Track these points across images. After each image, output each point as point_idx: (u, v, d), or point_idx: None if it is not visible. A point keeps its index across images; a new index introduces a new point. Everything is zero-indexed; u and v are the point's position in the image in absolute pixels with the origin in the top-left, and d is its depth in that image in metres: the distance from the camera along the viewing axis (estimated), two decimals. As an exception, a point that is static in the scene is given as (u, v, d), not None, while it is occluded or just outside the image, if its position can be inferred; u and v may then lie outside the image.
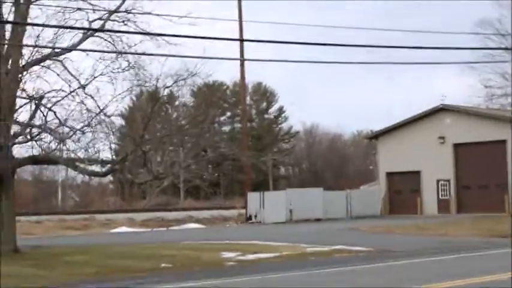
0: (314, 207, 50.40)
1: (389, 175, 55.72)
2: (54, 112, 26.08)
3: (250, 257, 22.82)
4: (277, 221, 48.29)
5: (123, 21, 27.00)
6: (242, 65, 53.43)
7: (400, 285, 14.82)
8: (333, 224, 43.85)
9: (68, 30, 25.62)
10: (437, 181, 52.94)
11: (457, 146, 52.33)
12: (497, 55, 66.72)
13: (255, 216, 50.79)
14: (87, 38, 26.76)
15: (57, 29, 25.07)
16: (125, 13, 26.80)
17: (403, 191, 54.70)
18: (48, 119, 26.02)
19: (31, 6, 25.86)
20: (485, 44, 63.95)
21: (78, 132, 25.97)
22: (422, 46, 21.09)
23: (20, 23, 24.85)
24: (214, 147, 40.43)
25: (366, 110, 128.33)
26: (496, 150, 49.81)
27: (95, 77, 26.46)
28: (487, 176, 50.39)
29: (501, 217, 42.92)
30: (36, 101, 25.92)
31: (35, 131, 26.15)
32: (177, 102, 36.19)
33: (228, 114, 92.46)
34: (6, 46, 25.33)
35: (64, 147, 26.22)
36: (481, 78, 71.09)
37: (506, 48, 64.26)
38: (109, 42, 26.87)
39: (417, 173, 53.93)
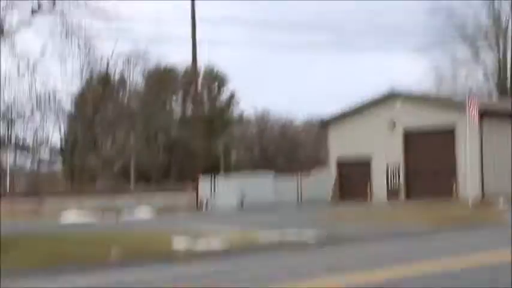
0: (265, 193, 50.49)
1: (340, 161, 55.96)
2: (2, 95, 25.61)
3: (200, 246, 22.62)
4: (229, 207, 48.25)
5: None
6: (194, 47, 53.07)
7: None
8: (284, 208, 43.94)
9: (17, 7, 25.15)
10: (387, 167, 53.29)
11: (407, 132, 52.69)
12: (448, 39, 67.44)
13: (206, 202, 50.66)
14: (35, 15, 26.28)
15: (5, 4, 24.60)
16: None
17: (354, 177, 54.93)
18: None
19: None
20: (435, 28, 64.72)
21: (27, 115, 25.56)
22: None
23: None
24: (165, 131, 40.18)
25: (317, 96, 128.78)
26: (445, 136, 50.25)
27: (43, 56, 26.06)
28: (436, 162, 50.84)
29: (449, 203, 43.46)
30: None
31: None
32: (128, 87, 35.92)
33: (180, 99, 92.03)
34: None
35: (12, 131, 25.79)
36: (432, 63, 72.00)
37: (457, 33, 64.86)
38: (59, 22, 26.48)
39: (367, 159, 54.24)
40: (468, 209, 37.20)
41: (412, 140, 52.51)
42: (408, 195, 51.77)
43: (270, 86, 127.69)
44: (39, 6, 25.79)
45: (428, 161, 51.20)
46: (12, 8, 25.18)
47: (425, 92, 63.45)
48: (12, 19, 25.67)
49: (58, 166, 75.24)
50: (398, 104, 53.35)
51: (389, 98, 53.85)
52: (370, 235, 24.91)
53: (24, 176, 71.91)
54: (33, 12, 25.98)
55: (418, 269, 15.14)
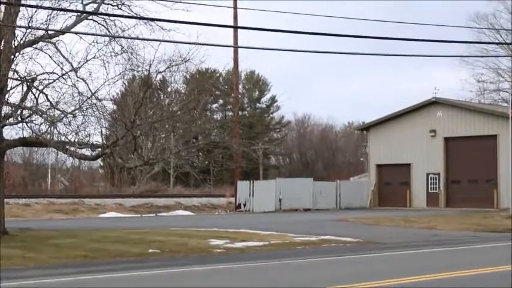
0: (303, 197, 50.52)
1: (380, 167, 55.83)
2: (46, 94, 25.98)
3: (239, 244, 22.83)
4: (267, 210, 48.41)
5: (117, 5, 26.94)
6: (236, 52, 53.33)
7: (383, 277, 14.85)
8: (322, 214, 43.95)
9: (62, 12, 25.50)
10: (427, 174, 53.06)
11: (447, 140, 52.42)
12: (491, 50, 66.91)
13: (244, 204, 50.86)
14: (80, 21, 26.68)
15: (50, 11, 24.95)
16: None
17: (393, 183, 54.80)
18: (40, 101, 25.92)
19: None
20: (479, 38, 64.14)
21: (69, 115, 25.88)
22: (418, 39, 21.10)
23: (14, 4, 24.74)
24: (205, 134, 40.35)
25: (358, 101, 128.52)
26: (486, 145, 49.90)
27: (87, 60, 26.36)
28: (476, 170, 50.49)
29: (489, 212, 43.14)
30: (28, 83, 25.80)
31: (26, 112, 26.03)
32: (169, 89, 36.15)
33: (220, 102, 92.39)
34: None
35: (55, 130, 26.15)
36: (474, 73, 71.33)
37: (500, 43, 64.40)
38: (102, 26, 26.83)
39: (407, 166, 54.04)
40: (508, 218, 36.84)
41: (453, 148, 52.22)
42: (448, 203, 51.46)
43: (311, 91, 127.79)
44: (84, 11, 26.16)
45: (469, 169, 50.86)
46: (57, 13, 25.56)
47: (467, 101, 62.96)
48: (57, 24, 26.06)
49: (98, 165, 76.16)
50: (439, 112, 53.10)
51: (431, 105, 53.60)
52: (406, 240, 24.85)
53: (66, 173, 72.95)
54: (77, 17, 26.37)
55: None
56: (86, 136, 26.81)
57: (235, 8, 51.42)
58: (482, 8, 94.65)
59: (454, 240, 25.30)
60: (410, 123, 54.15)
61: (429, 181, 53.06)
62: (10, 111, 26.18)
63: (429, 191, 53.02)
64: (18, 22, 25.33)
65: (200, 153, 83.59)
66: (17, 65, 25.92)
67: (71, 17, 26.35)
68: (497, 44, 65.67)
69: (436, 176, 52.78)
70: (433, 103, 53.45)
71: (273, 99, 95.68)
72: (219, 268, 17.27)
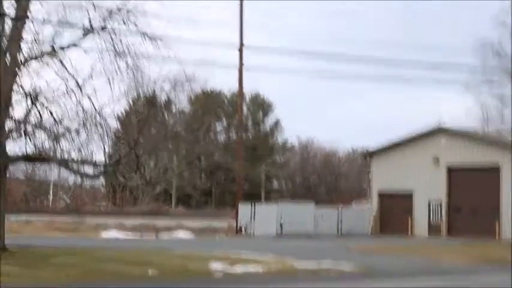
0: (305, 222, 50.28)
1: (382, 194, 55.58)
2: (50, 110, 25.91)
3: (238, 269, 22.63)
4: (268, 234, 48.13)
5: (123, 22, 26.88)
6: (240, 73, 53.29)
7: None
8: (323, 240, 43.68)
9: (68, 27, 25.48)
10: (429, 203, 52.80)
11: (451, 168, 52.21)
12: (495, 77, 66.80)
13: (245, 228, 50.60)
14: (86, 36, 26.63)
15: (57, 26, 24.94)
16: (126, 13, 26.67)
17: (395, 210, 54.51)
18: (44, 117, 25.85)
19: (32, 1, 25.73)
20: (485, 66, 64.09)
21: (72, 132, 25.80)
22: (424, 62, 21.01)
23: (20, 18, 24.72)
24: (208, 155, 40.29)
25: (362, 127, 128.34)
26: (490, 175, 49.68)
27: (92, 77, 26.31)
28: (479, 200, 50.23)
29: (491, 243, 42.88)
30: (32, 98, 25.74)
31: (29, 128, 25.95)
32: (173, 109, 36.12)
33: (224, 123, 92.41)
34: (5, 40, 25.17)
35: (58, 147, 26.07)
36: (479, 101, 71.28)
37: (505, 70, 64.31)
38: (108, 42, 26.77)
39: (409, 193, 53.79)
40: (510, 251, 36.57)
41: (456, 176, 51.98)
42: (450, 232, 51.14)
43: (315, 115, 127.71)
44: (90, 27, 26.15)
45: (472, 199, 50.60)
46: (63, 28, 25.56)
47: (471, 129, 62.83)
48: (63, 39, 26.04)
49: (100, 183, 76.03)
50: (443, 140, 52.93)
51: (435, 133, 53.44)
52: (407, 270, 24.63)
53: (68, 191, 72.85)
54: (84, 33, 26.35)
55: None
56: (89, 154, 26.73)
57: (241, 27, 51.52)
58: (487, 32, 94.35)
59: (456, 270, 25.06)
60: (414, 151, 53.97)
61: (431, 210, 52.79)
62: (13, 126, 26.12)
63: (431, 219, 52.72)
64: (24, 36, 25.31)
65: (202, 174, 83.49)
66: (21, 78, 25.88)
67: (77, 32, 26.33)
68: (500, 70, 65.51)
69: (438, 204, 52.51)
70: (438, 131, 53.31)
71: (277, 122, 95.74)
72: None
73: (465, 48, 79.16)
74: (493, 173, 49.36)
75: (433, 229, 52.03)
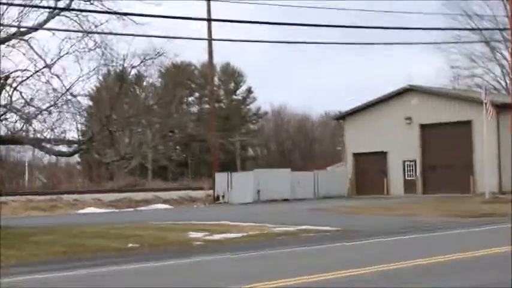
0: (282, 188, 50.64)
1: (356, 156, 56.04)
2: (20, 92, 25.89)
3: (218, 236, 22.86)
4: (245, 202, 48.46)
5: (89, 0, 26.81)
6: (210, 44, 53.27)
7: (370, 263, 14.94)
8: (301, 204, 44.07)
9: (34, 9, 25.37)
10: (404, 162, 53.31)
11: (423, 127, 52.67)
12: (464, 36, 67.22)
13: (223, 196, 50.92)
14: (53, 17, 26.55)
15: (22, 8, 24.83)
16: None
17: (370, 171, 55.03)
18: (14, 98, 25.83)
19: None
20: (452, 25, 64.46)
21: (44, 112, 25.81)
22: (393, 27, 21.19)
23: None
24: (182, 128, 40.37)
25: (334, 91, 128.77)
26: (461, 131, 50.19)
27: (60, 57, 26.27)
28: (452, 156, 50.78)
29: (466, 197, 43.47)
30: (2, 81, 25.67)
31: (0, 110, 25.90)
32: (144, 83, 36.10)
33: (196, 95, 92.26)
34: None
35: (30, 127, 26.08)
36: (448, 59, 71.76)
37: (473, 29, 64.70)
38: (75, 21, 26.68)
39: (384, 154, 54.28)
40: (485, 203, 37.16)
41: (429, 135, 52.49)
42: (425, 190, 51.77)
43: (287, 81, 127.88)
44: (56, 7, 26.01)
45: (445, 156, 51.15)
46: (30, 10, 25.43)
47: (442, 87, 63.24)
48: (29, 20, 25.92)
49: (76, 161, 75.85)
50: (414, 99, 53.33)
51: (406, 93, 53.84)
52: (384, 229, 24.98)
53: (43, 170, 72.63)
54: (49, 13, 26.22)
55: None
56: (62, 133, 26.79)
57: (208, 0, 51.35)
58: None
59: (432, 226, 25.44)
60: (386, 111, 54.36)
61: (406, 168, 53.33)
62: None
63: (406, 178, 53.30)
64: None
65: (177, 147, 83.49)
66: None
67: (42, 13, 26.24)
68: (469, 30, 65.95)
69: (412, 163, 53.04)
70: (408, 90, 53.69)
71: (249, 91, 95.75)
72: (197, 261, 17.29)
73: (433, 8, 79.38)
74: (465, 128, 49.90)
75: (409, 187, 52.61)
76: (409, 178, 53.14)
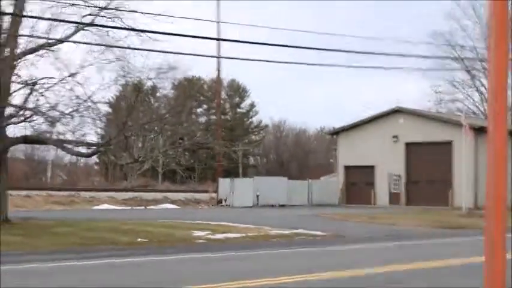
0: (279, 194, 50.58)
1: (347, 168, 55.98)
2: (46, 97, 25.90)
3: (219, 236, 22.86)
4: (245, 205, 48.42)
5: (111, 18, 26.87)
6: (218, 62, 53.42)
7: (349, 266, 14.93)
8: (296, 210, 44.04)
9: (61, 23, 25.42)
10: (390, 175, 53.28)
11: (408, 145, 52.67)
12: (447, 64, 67.28)
13: (225, 200, 50.88)
14: (78, 31, 26.59)
15: (51, 22, 24.89)
16: (114, 10, 26.66)
17: (359, 183, 55.00)
18: (40, 103, 25.84)
19: (28, 0, 25.66)
20: (437, 54, 64.57)
21: (67, 116, 25.83)
22: (385, 53, 21.24)
23: (18, 15, 24.63)
24: (190, 136, 40.33)
25: (330, 108, 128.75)
26: (443, 150, 50.21)
27: (83, 67, 26.30)
28: (434, 172, 50.78)
29: (444, 210, 43.43)
30: (30, 86, 25.72)
31: (28, 113, 25.93)
32: (158, 94, 36.08)
33: (205, 106, 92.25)
34: (4, 35, 25.11)
35: (54, 129, 26.11)
36: (433, 85, 71.77)
37: (455, 58, 64.80)
38: (98, 36, 26.72)
39: (372, 168, 54.24)
40: (461, 216, 37.12)
41: (413, 152, 52.47)
42: (408, 202, 51.71)
43: (286, 98, 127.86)
44: (81, 22, 26.08)
45: (427, 171, 51.14)
46: (58, 24, 25.49)
47: (426, 110, 63.30)
48: (57, 32, 25.98)
49: (94, 161, 75.86)
50: (401, 120, 53.36)
51: (394, 113, 53.85)
52: (370, 235, 24.99)
53: (64, 169, 72.64)
54: (75, 27, 26.29)
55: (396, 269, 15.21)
56: (82, 135, 26.79)
57: (218, 21, 51.48)
58: (441, 27, 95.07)
59: (412, 235, 25.45)
60: (376, 129, 54.36)
61: (391, 181, 53.30)
62: (13, 112, 26.10)
63: (391, 190, 53.26)
64: (21, 31, 25.24)
65: (186, 153, 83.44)
66: (19, 70, 25.86)
67: (69, 27, 26.28)
68: (451, 58, 66.00)
69: (397, 177, 53.01)
70: (396, 111, 53.72)
71: (252, 105, 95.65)
72: (199, 257, 17.29)
73: (419, 38, 79.46)
74: (446, 148, 49.93)
75: (394, 199, 52.57)
76: (394, 191, 53.11)
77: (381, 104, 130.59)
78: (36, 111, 25.72)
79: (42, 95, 25.85)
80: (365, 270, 14.19)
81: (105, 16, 26.89)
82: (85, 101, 26.27)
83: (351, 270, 14.18)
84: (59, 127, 26.10)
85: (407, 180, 52.66)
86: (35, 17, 24.79)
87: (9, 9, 25.43)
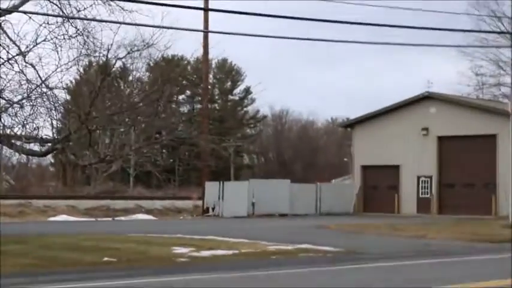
0: (280, 201, 50.66)
1: (365, 169, 56.06)
2: (-12, 82, 25.84)
3: (205, 253, 22.88)
4: (238, 215, 48.48)
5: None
6: (206, 37, 53.27)
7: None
8: (300, 220, 44.10)
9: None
10: (418, 177, 53.36)
11: (441, 139, 52.72)
12: (492, 40, 67.24)
13: (213, 208, 50.92)
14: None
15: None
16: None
17: (380, 186, 55.09)
18: (-18, 89, 25.78)
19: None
20: (479, 27, 64.45)
21: (15, 105, 25.79)
22: (412, 26, 21.24)
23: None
24: (170, 129, 40.33)
25: (343, 95, 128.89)
26: (484, 145, 50.27)
27: (37, 44, 26.22)
28: (473, 174, 50.86)
29: (487, 220, 43.46)
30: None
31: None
32: (130, 77, 36.05)
33: (188, 93, 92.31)
34: None
35: (-2, 122, 26.07)
36: (473, 65, 71.71)
37: (501, 32, 64.78)
38: (55, 5, 26.66)
39: (396, 168, 54.32)
40: (507, 228, 37.14)
41: (447, 148, 52.55)
42: (441, 210, 51.82)
43: (290, 82, 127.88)
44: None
45: (465, 172, 51.24)
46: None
47: (465, 96, 63.36)
48: (3, 1, 25.89)
49: (49, 162, 75.88)
50: (432, 108, 53.42)
51: (423, 101, 53.90)
52: (394, 252, 25.03)
53: (11, 171, 72.49)
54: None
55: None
56: (35, 129, 26.72)
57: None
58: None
59: (446, 251, 25.48)
60: (401, 120, 54.41)
61: (420, 185, 53.39)
62: None
63: (420, 195, 53.35)
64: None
65: (164, 150, 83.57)
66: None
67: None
68: (498, 33, 66.01)
69: (427, 179, 53.10)
70: (426, 98, 53.76)
71: (247, 91, 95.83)
72: (181, 279, 17.32)
73: (458, 8, 79.14)
74: (488, 142, 49.97)
75: (423, 206, 52.66)
76: (423, 196, 53.21)
77: (408, 89, 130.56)
78: (-24, 99, 25.70)
79: (-17, 79, 25.82)
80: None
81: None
82: (38, 86, 26.24)
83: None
84: (5, 119, 26.08)
85: (440, 183, 52.75)
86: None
87: None
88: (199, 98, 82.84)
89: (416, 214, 51.49)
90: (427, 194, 53.08)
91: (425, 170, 53.02)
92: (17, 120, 26.00)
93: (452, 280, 16.74)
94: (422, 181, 53.38)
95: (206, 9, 50.31)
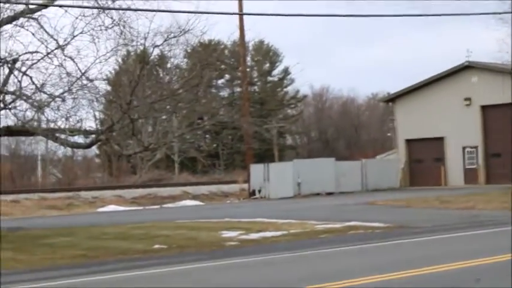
0: (325, 180, 50.49)
1: (409, 142, 55.71)
2: (30, 77, 25.97)
3: (254, 236, 22.86)
4: (284, 196, 48.42)
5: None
6: (241, 20, 53.19)
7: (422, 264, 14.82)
8: (347, 198, 43.96)
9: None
10: (463, 148, 52.92)
11: (485, 108, 52.21)
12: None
13: (259, 191, 50.91)
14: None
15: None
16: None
17: (425, 160, 54.73)
18: (24, 84, 25.91)
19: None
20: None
21: (57, 99, 25.91)
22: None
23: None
24: (211, 114, 40.34)
25: (383, 70, 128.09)
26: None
27: (74, 36, 26.30)
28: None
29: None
30: (10, 65, 25.79)
31: (8, 98, 26.05)
32: (168, 64, 36.08)
33: (227, 77, 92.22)
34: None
35: (42, 116, 26.20)
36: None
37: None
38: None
39: (440, 140, 53.92)
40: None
41: (492, 117, 52.02)
42: (488, 180, 51.35)
43: (329, 60, 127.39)
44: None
45: (511, 141, 50.65)
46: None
47: (507, 64, 62.58)
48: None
49: (94, 153, 76.38)
50: (474, 78, 52.87)
51: (465, 70, 53.37)
52: (444, 225, 24.83)
53: (58, 165, 73.15)
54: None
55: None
56: (78, 121, 26.87)
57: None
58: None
59: (496, 221, 25.21)
60: (442, 92, 53.94)
61: (466, 155, 52.94)
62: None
63: (466, 166, 52.91)
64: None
65: (207, 136, 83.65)
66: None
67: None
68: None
69: (473, 149, 52.64)
70: (467, 68, 53.22)
71: (285, 72, 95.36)
72: (232, 263, 17.29)
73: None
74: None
75: (470, 177, 52.23)
76: (469, 167, 52.75)
77: (447, 60, 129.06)
78: (18, 94, 25.83)
79: (26, 75, 25.95)
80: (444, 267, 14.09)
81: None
82: (78, 78, 26.34)
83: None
84: (49, 113, 26.20)
85: (486, 153, 52.26)
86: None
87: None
88: (239, 82, 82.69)
89: (464, 185, 51.08)
90: (474, 165, 52.62)
91: (470, 141, 52.53)
92: (59, 113, 26.15)
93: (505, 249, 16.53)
94: (467, 152, 52.92)
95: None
